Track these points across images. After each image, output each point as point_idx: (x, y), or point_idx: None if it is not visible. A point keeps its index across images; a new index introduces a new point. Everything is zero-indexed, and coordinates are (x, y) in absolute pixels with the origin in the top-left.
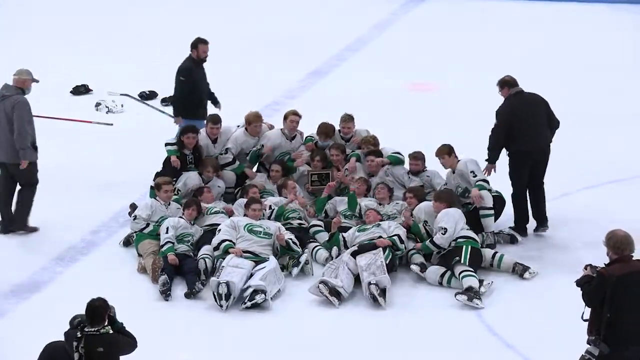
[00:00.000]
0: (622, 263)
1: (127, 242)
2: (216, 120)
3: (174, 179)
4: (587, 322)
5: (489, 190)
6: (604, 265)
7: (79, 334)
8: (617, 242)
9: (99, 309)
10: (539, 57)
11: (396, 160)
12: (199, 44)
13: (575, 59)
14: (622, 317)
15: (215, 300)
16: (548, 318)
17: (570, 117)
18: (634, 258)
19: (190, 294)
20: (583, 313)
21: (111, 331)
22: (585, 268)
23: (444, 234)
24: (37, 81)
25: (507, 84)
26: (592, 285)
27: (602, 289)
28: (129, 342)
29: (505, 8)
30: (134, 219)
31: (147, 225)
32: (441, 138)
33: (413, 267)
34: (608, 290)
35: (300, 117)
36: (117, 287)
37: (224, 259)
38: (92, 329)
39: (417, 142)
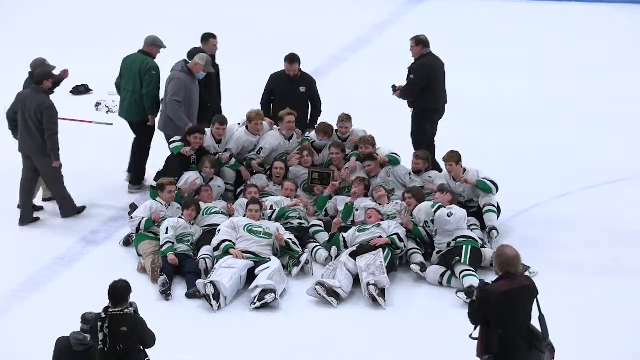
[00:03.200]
0: (507, 280)
1: (127, 242)
2: (223, 121)
3: (176, 178)
4: (476, 341)
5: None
6: (489, 283)
7: (103, 315)
8: (504, 262)
9: (120, 290)
10: (539, 57)
11: (395, 161)
12: None
13: (575, 59)
14: (512, 333)
15: (207, 302)
16: (548, 317)
17: (570, 117)
18: (526, 274)
19: (193, 295)
20: (472, 333)
21: (133, 312)
22: (469, 292)
23: (448, 216)
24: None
25: (423, 43)
26: (475, 303)
27: (483, 307)
28: (151, 333)
29: (505, 8)
30: (131, 219)
31: (140, 222)
32: (440, 138)
33: (413, 266)
34: (492, 307)
35: (294, 116)
36: None
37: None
38: (116, 309)
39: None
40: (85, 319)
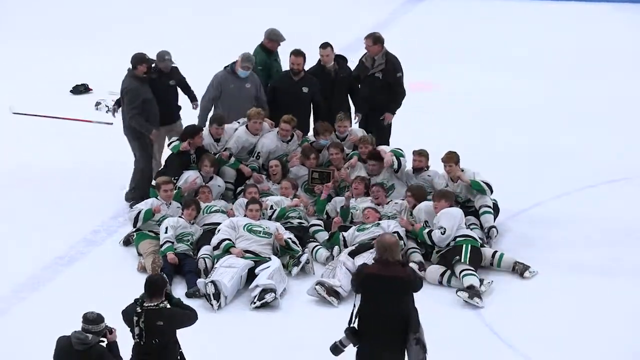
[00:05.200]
0: (380, 265)
1: (127, 242)
2: (221, 121)
3: (176, 178)
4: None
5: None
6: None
7: (138, 309)
8: (380, 248)
9: (157, 283)
10: (539, 57)
11: (399, 155)
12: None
13: (575, 59)
14: (363, 314)
15: (207, 301)
16: (548, 317)
17: (570, 117)
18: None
19: (193, 294)
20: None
21: (169, 306)
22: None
23: (442, 234)
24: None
25: (381, 40)
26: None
27: (354, 283)
28: (189, 315)
29: (505, 7)
30: (131, 209)
31: (139, 212)
32: (440, 138)
33: (412, 265)
34: (359, 285)
35: (290, 123)
36: (117, 287)
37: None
38: (152, 304)
39: (416, 142)
40: (87, 318)
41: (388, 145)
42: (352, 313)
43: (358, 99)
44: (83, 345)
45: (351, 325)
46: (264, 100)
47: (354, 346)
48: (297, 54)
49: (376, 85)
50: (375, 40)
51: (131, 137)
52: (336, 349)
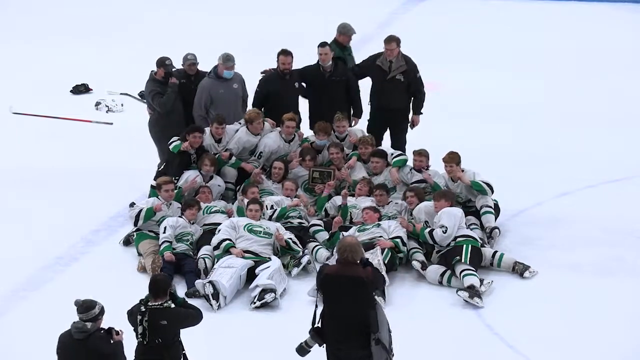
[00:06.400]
0: (340, 265)
1: (127, 242)
2: (221, 120)
3: (176, 178)
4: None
5: (492, 212)
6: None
7: (142, 308)
8: (341, 248)
9: (160, 282)
10: (539, 57)
11: (402, 163)
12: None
13: (575, 59)
14: (325, 314)
15: (207, 301)
16: (548, 317)
17: (570, 117)
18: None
19: (192, 294)
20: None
21: (173, 305)
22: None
23: (444, 232)
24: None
25: (400, 44)
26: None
27: (316, 283)
28: (193, 314)
29: (505, 7)
30: (131, 207)
31: (141, 211)
32: (440, 137)
33: (414, 263)
34: (319, 284)
35: (295, 121)
36: (117, 287)
37: None
38: (156, 303)
39: (417, 142)
40: (80, 305)
41: (405, 142)
42: (314, 313)
43: (357, 103)
44: (82, 333)
45: (315, 325)
46: (247, 96)
47: (319, 346)
48: (286, 53)
49: (399, 88)
50: (398, 42)
51: (154, 138)
52: (302, 349)
